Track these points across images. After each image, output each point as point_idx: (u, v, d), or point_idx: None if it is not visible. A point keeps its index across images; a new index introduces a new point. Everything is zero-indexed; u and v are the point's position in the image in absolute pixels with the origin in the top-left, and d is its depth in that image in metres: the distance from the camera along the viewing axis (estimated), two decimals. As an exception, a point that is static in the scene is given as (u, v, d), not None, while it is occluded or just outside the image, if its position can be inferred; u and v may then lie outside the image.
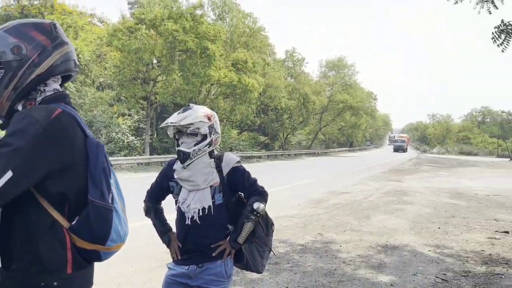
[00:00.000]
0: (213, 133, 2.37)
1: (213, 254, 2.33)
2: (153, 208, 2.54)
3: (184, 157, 2.31)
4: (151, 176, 3.88)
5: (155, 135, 27.91)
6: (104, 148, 1.48)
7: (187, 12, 23.83)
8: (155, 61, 26.56)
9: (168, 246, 2.47)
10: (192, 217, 2.33)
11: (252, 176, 2.49)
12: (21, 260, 1.32)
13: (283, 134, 43.03)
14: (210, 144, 2.36)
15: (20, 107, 1.40)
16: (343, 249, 6.12)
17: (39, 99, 1.42)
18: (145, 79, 26.46)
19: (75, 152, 1.38)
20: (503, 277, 5.02)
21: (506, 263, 5.62)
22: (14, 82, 1.36)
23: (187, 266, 2.35)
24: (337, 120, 55.86)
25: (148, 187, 2.60)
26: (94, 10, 37.96)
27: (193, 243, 2.36)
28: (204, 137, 2.33)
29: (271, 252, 2.62)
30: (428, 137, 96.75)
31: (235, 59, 28.22)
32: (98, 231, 1.39)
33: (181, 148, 2.31)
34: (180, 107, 2.57)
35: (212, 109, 2.72)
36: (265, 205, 2.41)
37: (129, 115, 26.03)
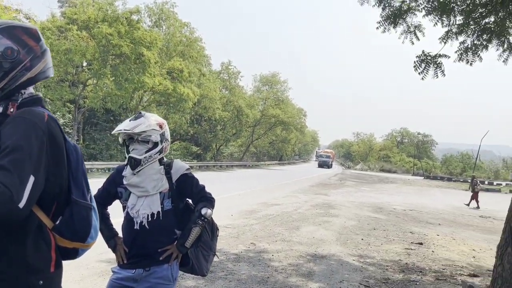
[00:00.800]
0: (164, 140, 2.44)
1: (160, 258, 2.38)
2: (99, 213, 2.53)
3: (135, 164, 2.36)
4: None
5: (81, 140, 26.62)
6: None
7: (122, 16, 23.28)
8: (85, 63, 25.49)
9: (114, 250, 2.49)
10: (141, 222, 2.38)
11: (200, 183, 2.60)
12: (9, 262, 1.32)
13: (215, 145, 43.09)
14: (160, 151, 2.43)
15: (0, 108, 1.41)
16: (275, 258, 6.34)
17: (19, 101, 1.44)
18: (74, 82, 25.27)
19: (63, 154, 1.43)
20: (417, 283, 5.52)
21: (420, 271, 6.18)
22: (3, 83, 1.38)
23: (134, 270, 2.38)
24: (269, 134, 57.19)
25: None
26: (20, 6, 35.51)
27: (141, 248, 2.40)
28: (155, 144, 2.40)
29: (215, 256, 2.72)
30: (353, 154, 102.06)
31: (171, 68, 27.97)
32: (80, 229, 1.45)
33: (132, 154, 2.36)
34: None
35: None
36: (212, 211, 2.52)
37: (54, 118, 24.58)
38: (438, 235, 9.97)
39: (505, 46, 6.46)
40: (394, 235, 9.38)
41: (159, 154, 2.43)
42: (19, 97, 1.45)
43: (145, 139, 2.37)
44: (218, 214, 10.23)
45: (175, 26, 31.48)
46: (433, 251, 7.79)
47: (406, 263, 6.65)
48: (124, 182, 2.44)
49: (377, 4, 6.70)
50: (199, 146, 39.46)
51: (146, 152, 2.37)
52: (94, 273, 4.84)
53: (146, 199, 2.40)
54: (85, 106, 25.23)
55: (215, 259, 2.83)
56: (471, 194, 20.76)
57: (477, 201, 20.03)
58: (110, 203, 2.59)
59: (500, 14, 6.18)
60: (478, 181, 22.27)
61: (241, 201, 13.69)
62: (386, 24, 6.75)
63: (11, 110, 1.41)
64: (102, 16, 22.51)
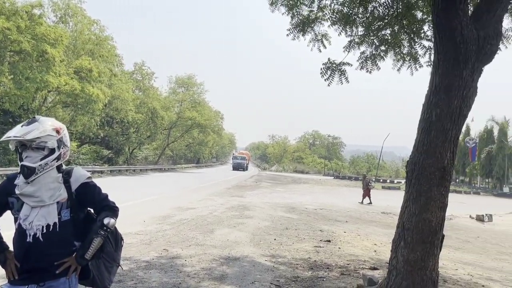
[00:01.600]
0: (62, 146, 2.30)
1: (57, 272, 2.23)
2: None
3: (28, 172, 2.19)
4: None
5: (-26, 144, 23.96)
6: None
7: (22, 10, 21.42)
8: (-22, 59, 23.01)
9: (4, 265, 2.29)
10: (35, 234, 2.21)
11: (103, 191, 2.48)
12: None
13: (128, 149, 41.44)
14: (58, 158, 2.28)
15: None
16: (188, 263, 6.26)
17: None
18: (-36, 79, 22.65)
19: None
20: (324, 279, 5.81)
21: (327, 268, 6.51)
22: None
23: (26, 286, 2.22)
24: (185, 137, 56.39)
25: None
26: None
27: (34, 262, 2.22)
28: (52, 151, 2.25)
29: (119, 267, 2.62)
30: (268, 156, 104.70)
31: (79, 67, 26.34)
32: None
33: (25, 163, 2.19)
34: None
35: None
36: (115, 220, 2.42)
37: None
38: (345, 232, 10.60)
39: (399, 56, 7.09)
40: (305, 234, 9.78)
41: (57, 161, 2.28)
42: None
43: (40, 146, 2.21)
44: (130, 221, 9.87)
45: (83, 23, 29.70)
46: (339, 248, 8.26)
47: (315, 261, 6.97)
48: (16, 192, 2.24)
49: (287, 13, 6.97)
50: (111, 149, 37.61)
51: (42, 159, 2.21)
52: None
53: (41, 210, 2.23)
54: (-23, 106, 22.76)
55: (119, 270, 2.72)
56: (363, 191, 22.33)
57: (370, 197, 21.65)
58: (0, 215, 2.36)
59: (395, 27, 6.77)
60: (371, 180, 24.11)
61: (154, 206, 13.33)
62: (296, 31, 7.04)
63: None
64: (-2, 8, 20.51)
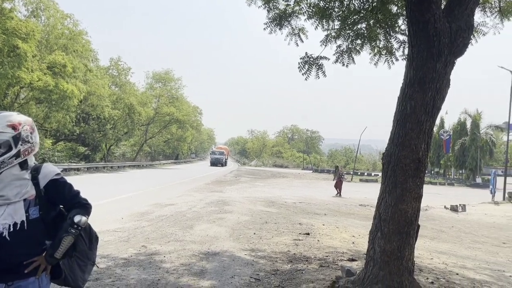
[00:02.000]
0: (22, 143, 2.21)
1: (26, 271, 2.17)
2: None
3: None
4: None
5: None
6: None
7: (-8, 3, 20.73)
8: None
9: None
10: (1, 233, 2.14)
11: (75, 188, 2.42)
12: None
13: (105, 145, 40.76)
14: (17, 155, 2.20)
15: None
16: (167, 259, 6.21)
17: None
18: None
19: None
20: (303, 272, 5.85)
21: (306, 260, 6.57)
22: None
23: None
24: (164, 133, 55.91)
25: None
26: None
27: (1, 261, 2.16)
28: (9, 148, 2.18)
29: (95, 266, 2.58)
30: (247, 151, 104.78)
31: (52, 62, 25.69)
32: None
33: None
34: None
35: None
36: (87, 218, 2.36)
37: None
38: (323, 224, 10.71)
39: (375, 50, 7.17)
40: (284, 227, 9.83)
41: (16, 159, 2.20)
42: None
43: None
44: (107, 218, 9.74)
45: (55, 17, 28.93)
46: (318, 240, 8.34)
47: (294, 254, 7.01)
48: None
49: (263, 6, 6.94)
50: (87, 146, 36.90)
51: (0, 156, 2.15)
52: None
53: (8, 208, 2.16)
54: None
55: (96, 268, 2.67)
56: (335, 183, 22.59)
57: (340, 190, 21.91)
58: None
59: (370, 21, 6.84)
60: (344, 173, 24.43)
61: (132, 203, 13.17)
62: (273, 25, 7.02)
63: None
64: (-35, 2, 19.81)
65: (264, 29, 7.08)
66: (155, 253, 6.58)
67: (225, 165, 61.39)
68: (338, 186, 21.96)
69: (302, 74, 7.05)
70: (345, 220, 12.28)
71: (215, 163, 59.12)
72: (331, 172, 27.96)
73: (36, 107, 27.99)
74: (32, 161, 2.32)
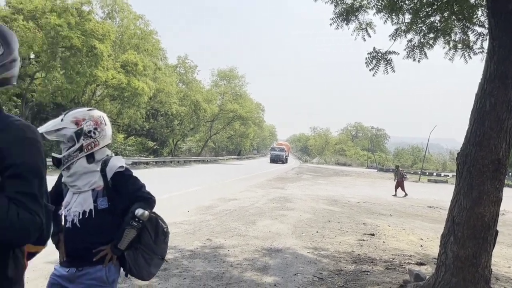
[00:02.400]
0: (84, 138, 2.32)
1: (94, 259, 2.30)
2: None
3: (56, 163, 2.32)
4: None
5: (30, 136, 25.32)
6: None
7: (72, 7, 22.32)
8: (33, 56, 24.25)
9: (57, 247, 2.43)
10: (72, 220, 2.30)
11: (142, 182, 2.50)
12: None
13: (172, 140, 42.45)
14: (80, 149, 2.32)
15: None
16: (231, 253, 6.33)
17: None
18: (21, 75, 23.98)
19: None
20: (368, 273, 5.70)
21: (371, 262, 6.39)
22: None
23: (68, 269, 2.32)
24: (227, 129, 57.06)
25: None
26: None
27: (72, 247, 2.33)
28: (74, 142, 2.32)
29: (163, 261, 2.58)
30: (309, 148, 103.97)
31: (125, 61, 27.18)
32: (47, 233, 1.46)
33: (54, 154, 2.33)
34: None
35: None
36: (150, 212, 2.40)
37: (0, 113, 23.26)
38: (389, 225, 10.35)
39: (451, 44, 6.76)
40: (348, 227, 9.64)
41: (80, 152, 2.33)
42: None
43: (59, 138, 2.33)
44: (174, 211, 10.13)
45: (129, 19, 30.60)
46: (384, 242, 8.08)
47: (358, 254, 6.85)
48: (62, 180, 2.40)
49: (330, 1, 6.82)
50: (156, 141, 38.68)
51: (67, 150, 2.31)
52: (41, 275, 4.62)
53: (79, 197, 2.33)
54: (33, 100, 24.06)
55: (164, 264, 2.71)
56: (395, 183, 21.58)
57: (397, 190, 20.90)
58: (62, 201, 2.47)
59: (445, 13, 6.46)
60: (404, 172, 23.34)
61: (198, 196, 13.58)
62: (339, 21, 6.88)
63: None
64: (50, 6, 21.47)
65: (330, 24, 6.96)
66: (220, 247, 6.74)
67: (286, 162, 58.14)
68: (399, 186, 21.11)
69: (370, 69, 6.85)
70: (412, 222, 11.77)
71: (275, 159, 56.43)
72: (392, 171, 27.00)
73: (110, 103, 29.79)
74: (103, 154, 2.41)
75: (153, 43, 32.64)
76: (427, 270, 5.69)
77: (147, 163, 31.19)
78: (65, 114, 2.34)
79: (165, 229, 2.56)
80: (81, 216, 2.29)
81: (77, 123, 2.32)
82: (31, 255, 1.54)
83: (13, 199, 1.26)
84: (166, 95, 33.86)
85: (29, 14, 21.05)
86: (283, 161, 56.65)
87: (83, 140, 2.32)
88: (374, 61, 6.65)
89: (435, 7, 6.34)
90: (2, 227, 1.22)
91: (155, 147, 38.43)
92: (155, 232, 2.50)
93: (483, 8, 6.01)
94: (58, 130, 2.28)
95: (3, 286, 1.39)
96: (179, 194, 14.14)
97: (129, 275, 2.50)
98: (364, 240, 8.07)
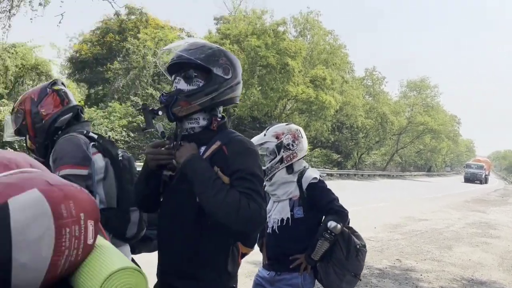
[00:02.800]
0: (284, 150, 2.49)
1: (291, 266, 2.43)
2: None
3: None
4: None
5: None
6: None
7: (270, 29, 24.45)
8: (238, 76, 27.44)
9: (260, 250, 2.66)
10: (272, 226, 2.50)
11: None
12: (211, 271, 1.58)
13: (357, 153, 42.02)
14: (281, 161, 2.49)
15: (205, 118, 1.65)
16: (424, 278, 5.86)
17: (219, 118, 1.69)
18: (225, 92, 27.37)
19: None
20: None
21: None
22: (214, 94, 1.60)
23: (269, 272, 2.52)
24: (416, 143, 53.44)
25: None
26: (183, 25, 39.97)
27: (272, 251, 2.52)
28: (275, 155, 2.51)
29: (357, 278, 2.55)
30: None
31: (314, 76, 28.28)
32: (255, 236, 1.74)
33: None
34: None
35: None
36: (342, 226, 2.39)
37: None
38: None
39: None
40: None
41: (281, 164, 2.49)
42: (218, 114, 1.68)
43: (264, 151, 2.56)
44: (359, 225, 9.92)
45: (319, 35, 31.77)
46: None
47: None
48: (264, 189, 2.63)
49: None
50: (340, 153, 38.95)
51: (269, 162, 2.53)
52: (242, 274, 5.12)
53: (278, 205, 2.50)
54: (234, 114, 27.19)
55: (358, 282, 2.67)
56: None
57: None
58: None
59: None
60: None
61: (383, 213, 13.06)
62: None
63: (214, 125, 1.64)
64: (251, 30, 24.01)
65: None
66: (411, 269, 6.31)
67: (485, 182, 48.46)
68: None
69: None
70: None
71: (470, 178, 47.68)
72: None
73: (299, 116, 31.35)
74: (300, 165, 2.56)
75: (341, 57, 33.11)
76: None
77: (331, 175, 31.64)
78: (267, 130, 2.59)
79: (357, 245, 2.51)
80: (279, 223, 2.47)
81: (277, 137, 2.52)
82: (242, 255, 1.73)
83: (242, 192, 1.45)
84: (352, 108, 33.83)
85: (234, 38, 23.96)
86: (481, 180, 47.49)
87: (283, 152, 2.51)
88: None
89: None
90: (235, 215, 1.40)
91: (339, 160, 38.71)
92: (347, 248, 2.48)
93: None
94: (262, 144, 2.52)
95: (223, 280, 1.60)
96: (363, 208, 13.84)
97: None
98: None
